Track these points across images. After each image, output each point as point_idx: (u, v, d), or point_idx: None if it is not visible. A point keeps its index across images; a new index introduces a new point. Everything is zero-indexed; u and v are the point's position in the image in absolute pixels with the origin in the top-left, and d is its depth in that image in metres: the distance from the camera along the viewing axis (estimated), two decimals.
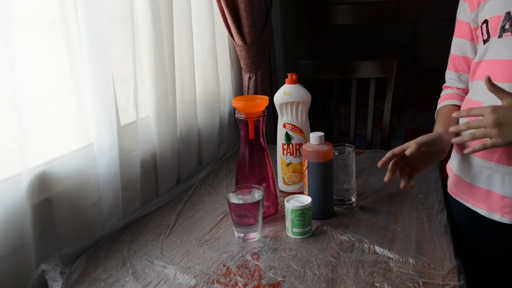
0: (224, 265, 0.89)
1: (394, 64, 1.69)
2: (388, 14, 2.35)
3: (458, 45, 1.07)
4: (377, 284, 0.80)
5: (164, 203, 1.19)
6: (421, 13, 2.21)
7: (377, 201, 1.14)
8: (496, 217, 0.94)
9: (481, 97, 0.95)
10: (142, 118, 1.18)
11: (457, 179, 1.04)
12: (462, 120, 0.97)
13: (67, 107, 1.00)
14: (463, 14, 1.04)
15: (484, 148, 0.85)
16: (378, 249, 0.91)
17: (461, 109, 1.04)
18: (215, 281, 0.84)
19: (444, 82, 1.16)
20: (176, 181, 1.34)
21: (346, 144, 1.14)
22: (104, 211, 1.04)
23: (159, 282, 0.85)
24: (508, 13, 0.90)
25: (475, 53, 1.02)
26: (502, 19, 0.90)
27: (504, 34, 0.90)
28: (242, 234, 0.99)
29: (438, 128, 1.04)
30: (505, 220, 0.93)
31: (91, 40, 0.95)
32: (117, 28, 1.09)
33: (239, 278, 0.85)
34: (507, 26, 0.90)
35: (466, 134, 0.87)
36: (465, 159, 0.99)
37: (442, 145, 1.00)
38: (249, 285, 0.82)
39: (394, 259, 0.88)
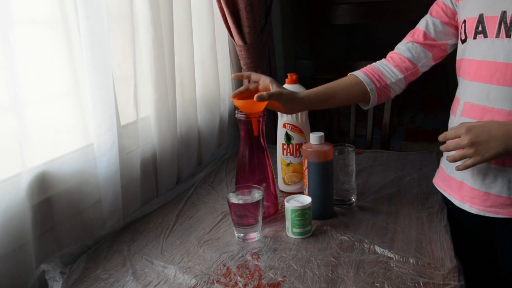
0: (224, 265, 0.89)
1: None
2: (388, 14, 2.35)
3: (430, 23, 1.11)
4: (377, 284, 0.80)
5: (164, 203, 1.19)
6: (421, 13, 2.20)
7: (377, 201, 1.14)
8: (466, 206, 1.00)
9: (460, 93, 1.03)
10: (142, 118, 1.18)
11: (440, 171, 1.11)
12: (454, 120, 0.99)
13: (67, 107, 0.99)
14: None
15: (466, 168, 0.90)
16: (378, 249, 0.91)
17: (452, 106, 1.08)
18: (215, 281, 0.84)
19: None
20: (176, 181, 1.34)
21: (346, 144, 1.14)
22: (104, 211, 1.04)
23: (159, 282, 0.85)
24: (481, 15, 0.94)
25: (442, 38, 1.09)
26: (476, 20, 0.94)
27: (477, 35, 0.95)
28: (242, 234, 0.99)
29: (315, 89, 1.07)
30: (473, 210, 0.98)
31: (91, 40, 0.95)
32: (117, 28, 1.09)
33: (239, 278, 0.85)
34: (480, 28, 0.94)
35: (448, 156, 0.93)
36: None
37: (287, 103, 1.02)
38: (249, 285, 0.82)
39: (394, 259, 0.88)
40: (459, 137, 0.88)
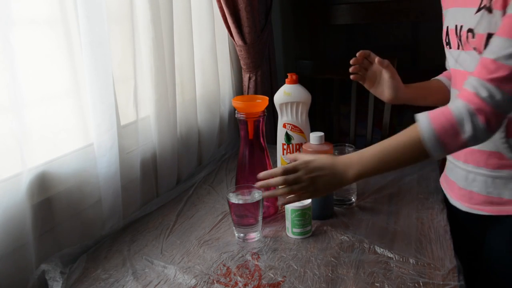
0: (224, 265, 0.89)
1: (394, 64, 1.69)
2: (388, 14, 2.35)
3: None
4: (377, 284, 0.80)
5: (164, 203, 1.19)
6: (421, 13, 2.21)
7: (377, 201, 1.14)
8: (458, 204, 1.03)
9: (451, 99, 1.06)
10: (142, 118, 1.18)
11: (444, 172, 1.13)
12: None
13: (67, 107, 1.00)
14: None
15: (299, 200, 0.91)
16: (378, 249, 0.91)
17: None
18: (215, 281, 0.84)
19: None
20: (176, 181, 1.34)
21: (346, 144, 1.14)
22: (104, 211, 1.04)
23: (159, 282, 0.85)
24: (447, 27, 0.97)
25: None
26: (445, 32, 0.98)
27: (446, 46, 0.99)
28: (242, 234, 0.99)
29: (411, 84, 1.12)
30: (463, 208, 1.01)
31: (91, 40, 0.95)
32: (117, 28, 1.09)
33: (239, 278, 0.85)
34: (447, 40, 0.97)
35: (282, 188, 0.90)
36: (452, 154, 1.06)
37: (394, 92, 1.07)
38: (249, 285, 0.82)
39: (394, 259, 0.88)
40: (296, 172, 0.88)
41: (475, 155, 0.96)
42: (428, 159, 0.84)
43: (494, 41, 0.80)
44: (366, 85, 1.14)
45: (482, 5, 0.85)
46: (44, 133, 0.93)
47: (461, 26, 0.91)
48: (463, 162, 0.99)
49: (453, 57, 0.97)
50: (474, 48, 0.88)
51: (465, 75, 0.92)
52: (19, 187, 0.85)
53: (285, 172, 0.88)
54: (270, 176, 0.90)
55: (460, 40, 0.92)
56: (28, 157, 0.86)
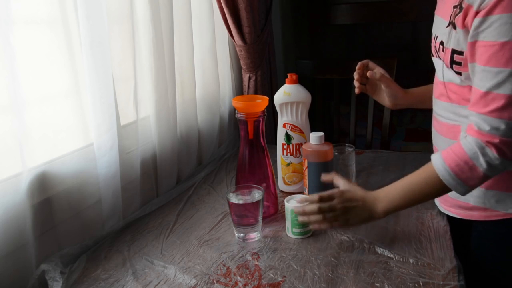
0: (224, 265, 0.89)
1: (394, 64, 1.69)
2: (388, 14, 2.35)
3: None
4: (377, 284, 0.80)
5: (164, 203, 1.19)
6: (421, 13, 2.21)
7: None
8: (439, 205, 1.05)
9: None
10: (142, 118, 1.18)
11: None
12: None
13: (67, 107, 1.00)
14: None
15: (331, 228, 0.94)
16: (378, 249, 0.91)
17: None
18: (215, 281, 0.84)
19: None
20: (176, 181, 1.34)
21: (346, 144, 1.14)
22: (104, 211, 1.04)
23: (159, 282, 0.85)
24: (431, 36, 0.97)
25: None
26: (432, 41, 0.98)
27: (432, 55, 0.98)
28: (242, 234, 0.99)
29: (413, 88, 1.14)
30: (442, 209, 1.04)
31: (91, 40, 0.95)
32: (117, 28, 1.09)
33: (239, 278, 0.85)
34: (432, 48, 0.97)
35: (316, 215, 0.91)
36: None
37: (393, 100, 1.12)
38: (249, 285, 0.82)
39: (394, 259, 0.88)
40: (331, 200, 0.90)
41: None
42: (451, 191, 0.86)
43: (478, 71, 0.80)
44: (370, 94, 1.16)
45: (450, 21, 0.86)
46: (44, 133, 0.93)
47: (437, 37, 0.93)
48: None
49: (434, 64, 0.98)
50: (443, 61, 0.89)
51: (437, 84, 0.96)
52: (19, 187, 0.85)
53: (321, 199, 0.90)
54: (307, 202, 0.92)
55: (436, 49, 0.93)
56: (28, 157, 0.86)
